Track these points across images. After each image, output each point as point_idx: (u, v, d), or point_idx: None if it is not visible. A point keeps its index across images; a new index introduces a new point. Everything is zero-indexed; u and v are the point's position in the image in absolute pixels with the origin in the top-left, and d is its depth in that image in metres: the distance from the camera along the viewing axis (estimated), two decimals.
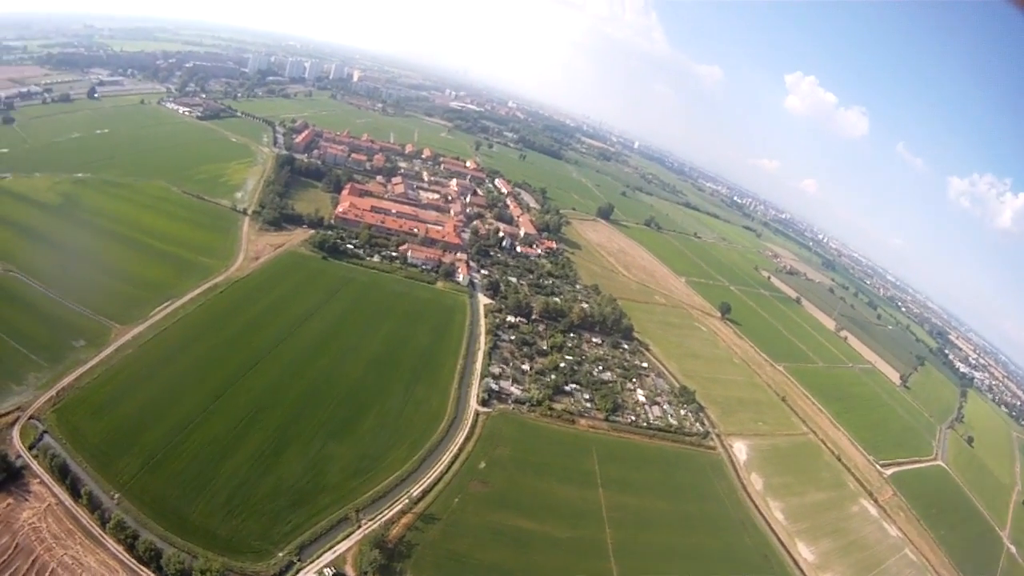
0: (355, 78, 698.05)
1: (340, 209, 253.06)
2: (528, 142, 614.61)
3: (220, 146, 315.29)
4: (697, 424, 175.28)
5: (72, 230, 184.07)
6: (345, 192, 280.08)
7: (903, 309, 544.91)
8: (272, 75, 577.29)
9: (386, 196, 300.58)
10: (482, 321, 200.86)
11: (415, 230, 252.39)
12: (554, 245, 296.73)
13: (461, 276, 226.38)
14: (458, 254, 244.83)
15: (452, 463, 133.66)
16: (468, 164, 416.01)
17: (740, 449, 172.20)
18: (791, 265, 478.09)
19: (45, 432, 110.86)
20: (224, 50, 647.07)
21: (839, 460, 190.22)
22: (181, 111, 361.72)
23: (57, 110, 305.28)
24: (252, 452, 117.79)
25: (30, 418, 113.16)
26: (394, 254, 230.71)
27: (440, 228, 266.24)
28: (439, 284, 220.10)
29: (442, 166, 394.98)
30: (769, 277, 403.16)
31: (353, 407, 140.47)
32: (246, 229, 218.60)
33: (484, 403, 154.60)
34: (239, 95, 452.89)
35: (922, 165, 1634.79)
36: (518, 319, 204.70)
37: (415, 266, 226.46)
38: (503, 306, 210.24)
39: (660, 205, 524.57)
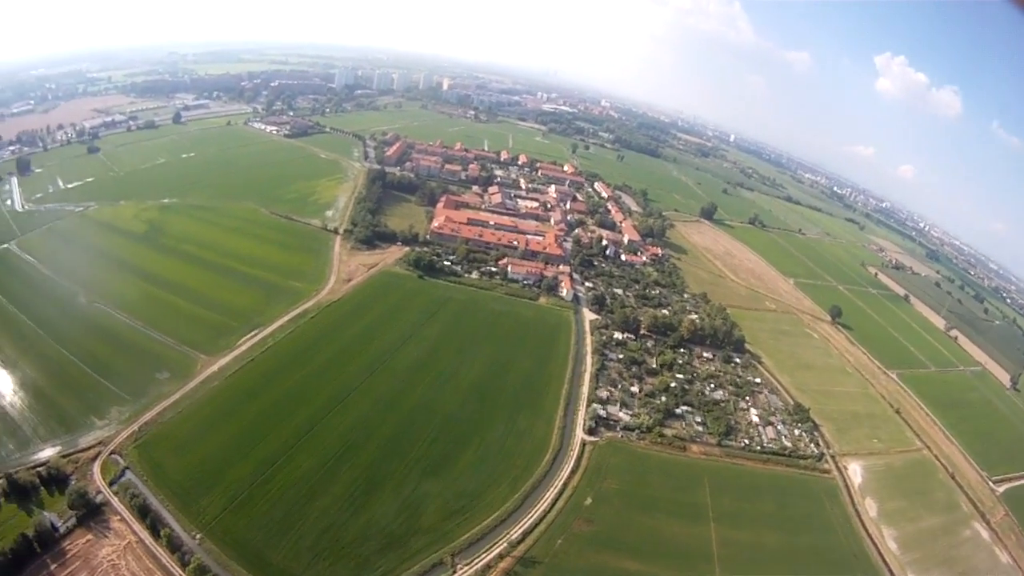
0: (445, 86, 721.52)
1: (435, 224, 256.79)
2: (624, 142, 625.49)
3: (309, 164, 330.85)
4: (812, 445, 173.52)
5: (157, 258, 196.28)
6: (440, 205, 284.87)
7: (1008, 300, 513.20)
8: (360, 88, 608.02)
9: (483, 207, 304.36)
10: (588, 339, 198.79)
11: (515, 243, 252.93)
12: (659, 251, 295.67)
13: (565, 290, 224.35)
14: (560, 266, 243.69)
15: (556, 500, 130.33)
16: (566, 168, 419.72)
17: (855, 471, 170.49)
18: (896, 259, 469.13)
19: (126, 468, 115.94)
20: (311, 67, 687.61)
21: (953, 478, 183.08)
22: (268, 130, 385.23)
23: (142, 137, 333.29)
24: (341, 492, 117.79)
25: (111, 453, 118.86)
26: (493, 269, 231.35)
27: (541, 239, 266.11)
28: (542, 300, 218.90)
29: (539, 172, 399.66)
30: (876, 274, 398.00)
31: (451, 441, 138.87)
32: (337, 249, 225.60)
33: (591, 431, 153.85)
34: (327, 111, 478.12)
35: (1018, 144, 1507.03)
36: (625, 335, 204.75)
37: (516, 281, 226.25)
38: (609, 321, 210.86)
39: (762, 201, 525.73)
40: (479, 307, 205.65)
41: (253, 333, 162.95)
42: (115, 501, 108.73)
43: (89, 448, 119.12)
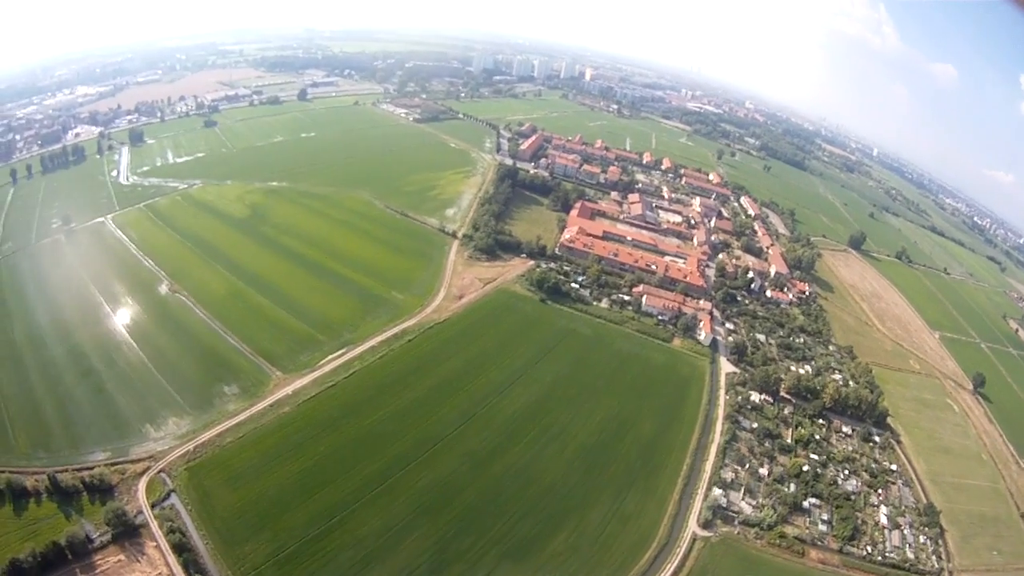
0: (587, 76, 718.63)
1: (566, 236, 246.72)
2: (770, 149, 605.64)
3: (436, 152, 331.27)
4: (933, 557, 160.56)
5: (253, 249, 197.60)
6: (574, 213, 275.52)
7: None
8: (499, 74, 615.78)
9: (621, 217, 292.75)
10: (722, 399, 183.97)
11: (653, 266, 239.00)
12: (807, 288, 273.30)
13: (703, 333, 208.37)
14: (700, 301, 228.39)
15: None
16: (711, 177, 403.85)
17: None
18: None
19: (173, 491, 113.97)
20: (449, 50, 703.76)
21: None
22: (397, 113, 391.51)
23: (264, 112, 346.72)
24: (402, 565, 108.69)
25: (160, 471, 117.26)
26: (626, 298, 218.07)
27: (682, 264, 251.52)
28: (676, 342, 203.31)
29: (683, 180, 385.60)
30: (1017, 330, 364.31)
31: (543, 519, 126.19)
32: (453, 257, 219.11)
33: (706, 524, 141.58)
34: (462, 95, 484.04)
35: None
36: (763, 397, 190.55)
37: (650, 315, 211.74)
38: (748, 377, 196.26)
39: (907, 229, 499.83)
40: (605, 345, 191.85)
41: (340, 352, 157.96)
42: (154, 526, 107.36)
43: (139, 461, 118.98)
